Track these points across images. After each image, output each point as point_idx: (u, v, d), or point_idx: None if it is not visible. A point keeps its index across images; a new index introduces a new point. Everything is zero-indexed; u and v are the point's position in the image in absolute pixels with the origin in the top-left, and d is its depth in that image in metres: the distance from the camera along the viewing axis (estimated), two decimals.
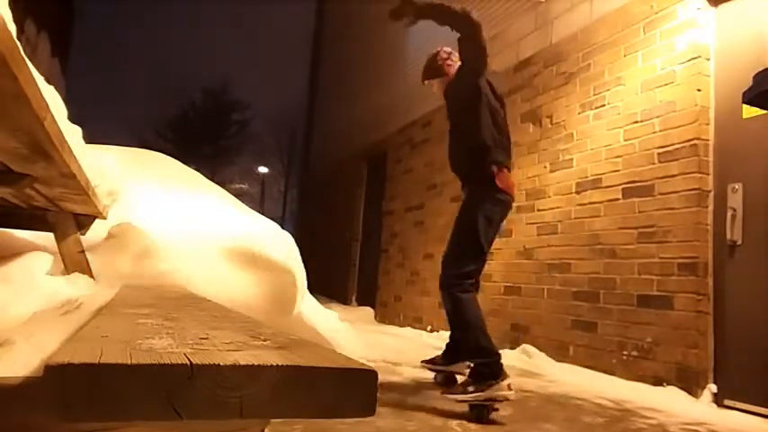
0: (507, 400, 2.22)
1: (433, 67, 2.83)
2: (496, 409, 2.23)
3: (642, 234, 3.30)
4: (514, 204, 4.46)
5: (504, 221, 2.69)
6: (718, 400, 2.83)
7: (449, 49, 2.81)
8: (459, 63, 2.72)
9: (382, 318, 6.77)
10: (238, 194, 5.77)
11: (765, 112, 2.60)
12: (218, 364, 0.54)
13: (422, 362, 2.99)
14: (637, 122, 3.46)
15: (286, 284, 2.78)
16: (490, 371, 2.24)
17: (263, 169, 32.58)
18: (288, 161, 32.59)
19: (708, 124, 3.11)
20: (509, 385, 2.22)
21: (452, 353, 2.82)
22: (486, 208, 2.52)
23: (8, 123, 0.85)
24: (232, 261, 2.74)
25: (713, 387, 2.85)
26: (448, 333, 2.88)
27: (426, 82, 2.91)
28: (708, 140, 3.10)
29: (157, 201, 3.04)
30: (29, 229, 2.10)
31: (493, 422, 2.16)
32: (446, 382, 2.76)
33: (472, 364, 2.40)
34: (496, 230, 2.58)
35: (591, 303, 3.58)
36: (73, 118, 1.55)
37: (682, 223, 3.07)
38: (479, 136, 2.54)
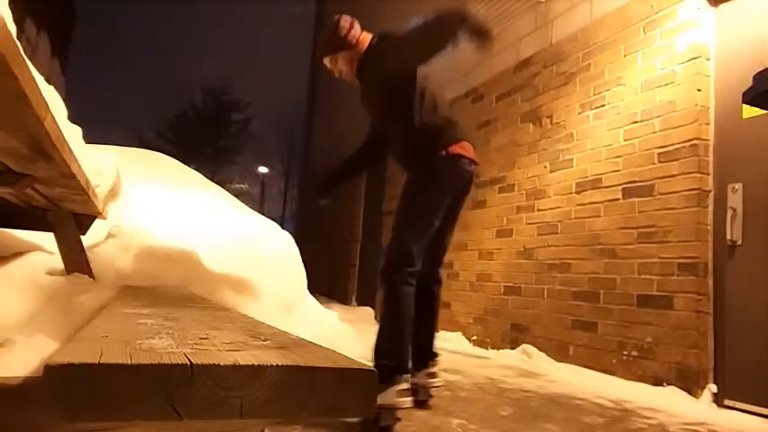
0: (396, 408, 1.94)
1: (336, 39, 2.39)
2: (398, 419, 1.97)
3: (642, 234, 3.30)
4: (515, 204, 4.57)
5: (464, 191, 2.42)
6: (718, 400, 2.83)
7: (348, 17, 2.43)
8: (365, 34, 2.41)
9: None
10: (238, 194, 5.77)
11: (765, 112, 2.59)
12: (218, 364, 0.54)
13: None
14: (637, 122, 3.46)
15: None
16: (383, 375, 1.92)
17: (263, 169, 32.60)
18: (288, 161, 32.63)
19: (708, 124, 3.11)
20: (399, 392, 1.95)
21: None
22: (432, 179, 2.28)
23: (8, 123, 0.85)
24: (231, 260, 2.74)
25: (713, 387, 2.85)
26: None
27: (328, 59, 2.44)
28: (708, 140, 3.09)
29: (157, 201, 3.04)
30: (29, 229, 2.10)
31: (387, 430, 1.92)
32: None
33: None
34: (448, 202, 2.28)
35: (591, 303, 3.58)
36: (73, 118, 1.55)
37: (682, 223, 3.07)
38: (429, 118, 2.26)
